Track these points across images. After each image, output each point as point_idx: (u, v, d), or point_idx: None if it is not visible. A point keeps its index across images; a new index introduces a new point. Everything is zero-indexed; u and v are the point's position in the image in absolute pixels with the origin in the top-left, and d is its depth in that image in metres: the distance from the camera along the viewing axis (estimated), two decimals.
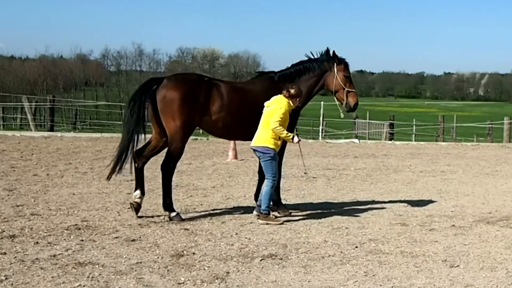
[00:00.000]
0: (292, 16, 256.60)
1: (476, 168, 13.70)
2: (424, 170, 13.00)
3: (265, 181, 7.25)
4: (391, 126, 28.69)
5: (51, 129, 21.54)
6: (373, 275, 5.19)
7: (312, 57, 7.92)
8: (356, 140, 22.23)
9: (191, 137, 17.82)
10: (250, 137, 7.34)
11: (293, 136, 7.09)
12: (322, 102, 26.77)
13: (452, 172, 12.80)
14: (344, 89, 7.79)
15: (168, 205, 7.22)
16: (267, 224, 7.06)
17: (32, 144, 15.25)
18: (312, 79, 7.85)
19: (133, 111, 7.16)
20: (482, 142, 25.87)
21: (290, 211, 7.68)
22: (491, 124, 29.74)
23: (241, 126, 7.42)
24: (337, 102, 7.96)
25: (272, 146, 7.06)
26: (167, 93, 7.07)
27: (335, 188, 10.18)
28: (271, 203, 7.35)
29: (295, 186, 10.20)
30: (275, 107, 7.06)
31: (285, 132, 7.02)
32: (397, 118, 32.03)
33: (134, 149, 7.27)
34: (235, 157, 13.77)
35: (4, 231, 6.28)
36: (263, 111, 7.19)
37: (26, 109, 23.73)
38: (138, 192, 7.26)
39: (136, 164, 7.35)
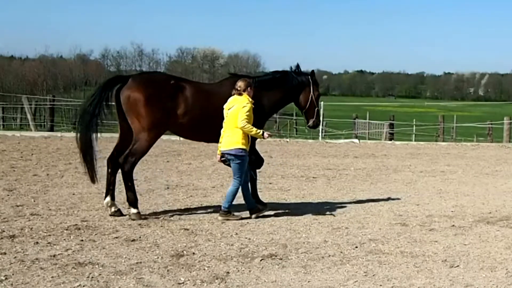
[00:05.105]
0: (292, 16, 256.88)
1: (476, 168, 13.70)
2: (424, 170, 12.99)
3: (232, 181, 7.26)
4: (391, 126, 28.67)
5: (51, 129, 21.54)
6: (373, 275, 5.19)
7: (289, 70, 8.03)
8: (356, 140, 22.22)
9: None
10: (216, 139, 7.40)
11: (263, 132, 7.12)
12: (322, 102, 26.77)
13: (452, 172, 12.79)
14: (315, 108, 8.02)
15: (131, 201, 7.17)
16: (227, 220, 7.15)
17: (32, 144, 15.24)
18: (288, 91, 7.91)
19: (91, 107, 7.13)
20: (482, 142, 25.84)
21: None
22: (491, 124, 29.72)
23: (208, 128, 7.38)
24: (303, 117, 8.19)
25: (244, 147, 7.10)
26: (131, 94, 7.02)
27: (335, 188, 10.18)
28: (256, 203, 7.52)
29: (295, 186, 10.20)
30: (238, 107, 7.07)
31: (254, 129, 7.06)
32: (397, 118, 32.02)
33: (95, 146, 7.21)
34: None
35: (4, 231, 6.28)
36: (225, 114, 7.19)
37: (26, 109, 23.71)
38: (108, 199, 7.24)
39: (109, 170, 7.31)
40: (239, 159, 7.12)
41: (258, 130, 7.09)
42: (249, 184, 7.52)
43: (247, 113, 7.01)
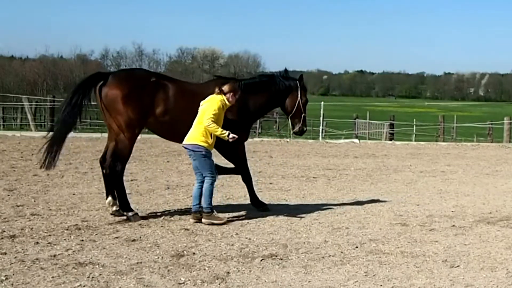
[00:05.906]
0: (292, 16, 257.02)
1: (476, 168, 13.70)
2: (424, 170, 12.99)
3: (204, 179, 7.06)
4: (391, 126, 28.71)
5: (51, 129, 21.44)
6: (373, 275, 5.19)
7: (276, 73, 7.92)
8: (356, 140, 22.23)
9: None
10: None
11: (228, 133, 6.89)
12: (322, 102, 26.81)
13: (452, 172, 12.80)
14: (302, 113, 7.83)
15: (124, 205, 7.11)
16: (211, 224, 6.92)
17: (32, 144, 15.24)
18: (274, 94, 7.77)
19: (74, 103, 7.00)
20: (482, 142, 25.86)
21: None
22: (491, 124, 29.75)
23: (188, 129, 7.11)
24: (289, 123, 7.98)
25: (202, 144, 6.90)
26: (109, 91, 6.90)
27: (335, 188, 10.18)
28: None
29: (295, 186, 10.20)
30: (208, 105, 6.93)
31: (220, 129, 6.86)
32: (397, 118, 32.04)
33: (64, 142, 7.16)
34: None
35: (4, 231, 6.28)
36: (199, 110, 7.04)
37: (26, 109, 23.75)
38: (110, 199, 7.19)
39: (104, 171, 7.24)
40: (199, 156, 6.93)
41: (224, 131, 6.86)
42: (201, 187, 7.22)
43: (215, 112, 6.83)
